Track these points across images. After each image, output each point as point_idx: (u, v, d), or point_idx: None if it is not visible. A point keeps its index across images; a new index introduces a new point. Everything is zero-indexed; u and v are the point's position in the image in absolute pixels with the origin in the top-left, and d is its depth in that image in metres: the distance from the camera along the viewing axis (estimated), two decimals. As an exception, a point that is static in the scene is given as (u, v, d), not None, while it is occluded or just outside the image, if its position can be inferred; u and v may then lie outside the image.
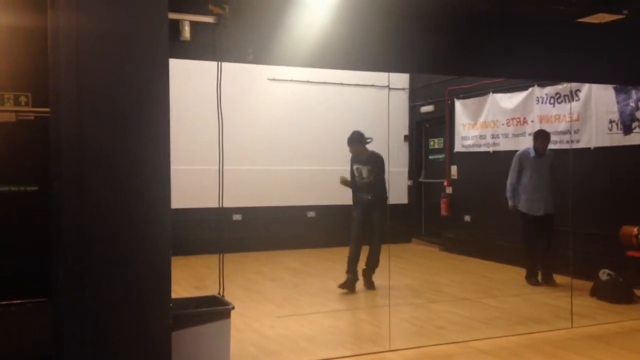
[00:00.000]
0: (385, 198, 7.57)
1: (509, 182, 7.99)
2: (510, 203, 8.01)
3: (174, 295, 3.93)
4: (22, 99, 4.28)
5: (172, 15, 4.18)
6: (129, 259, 3.26)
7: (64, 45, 3.15)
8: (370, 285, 7.42)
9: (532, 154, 7.85)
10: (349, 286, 7.27)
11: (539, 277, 7.82)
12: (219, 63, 4.53)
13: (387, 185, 7.58)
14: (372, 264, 7.49)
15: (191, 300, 4.46)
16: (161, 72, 3.32)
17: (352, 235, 7.57)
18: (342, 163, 7.82)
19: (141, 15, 3.28)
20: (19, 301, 4.10)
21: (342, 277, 7.31)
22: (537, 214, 7.77)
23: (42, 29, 3.78)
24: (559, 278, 7.62)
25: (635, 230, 6.97)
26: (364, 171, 7.48)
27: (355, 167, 7.58)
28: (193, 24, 4.53)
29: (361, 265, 7.48)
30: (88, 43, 3.16)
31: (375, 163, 7.43)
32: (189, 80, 8.98)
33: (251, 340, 5.35)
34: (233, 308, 4.24)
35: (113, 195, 3.22)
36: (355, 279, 7.37)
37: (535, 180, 7.79)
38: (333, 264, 9.30)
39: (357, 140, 7.45)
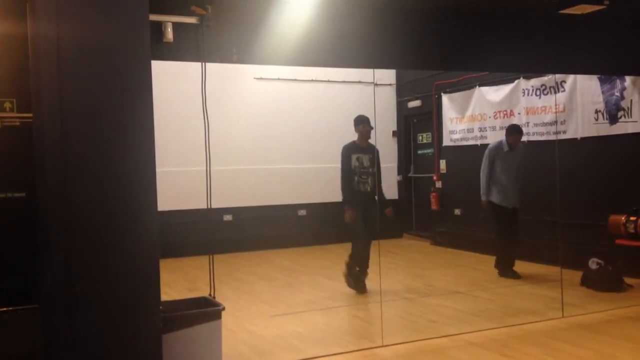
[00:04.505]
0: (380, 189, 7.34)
1: (482, 176, 7.95)
2: (483, 198, 7.99)
3: (165, 298, 3.93)
4: (7, 105, 4.26)
5: (154, 17, 4.17)
6: (116, 263, 3.25)
7: (45, 50, 3.13)
8: None
9: (505, 148, 7.86)
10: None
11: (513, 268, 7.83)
12: (203, 64, 4.53)
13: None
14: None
15: (181, 302, 4.44)
16: (144, 75, 3.31)
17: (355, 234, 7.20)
18: (331, 160, 7.78)
19: (122, 19, 3.27)
20: (11, 308, 4.09)
21: (335, 275, 7.31)
22: (511, 206, 7.82)
23: (25, 34, 3.77)
24: (549, 268, 7.67)
25: (623, 218, 7.02)
26: (365, 160, 7.19)
27: (355, 156, 7.19)
28: (175, 25, 4.51)
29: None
30: (69, 48, 3.14)
31: (375, 153, 7.21)
32: (175, 81, 8.95)
33: (244, 340, 5.35)
34: (223, 309, 4.22)
35: (98, 200, 3.21)
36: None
37: (505, 174, 7.82)
38: (325, 261, 9.31)
39: (367, 122, 7.24)
